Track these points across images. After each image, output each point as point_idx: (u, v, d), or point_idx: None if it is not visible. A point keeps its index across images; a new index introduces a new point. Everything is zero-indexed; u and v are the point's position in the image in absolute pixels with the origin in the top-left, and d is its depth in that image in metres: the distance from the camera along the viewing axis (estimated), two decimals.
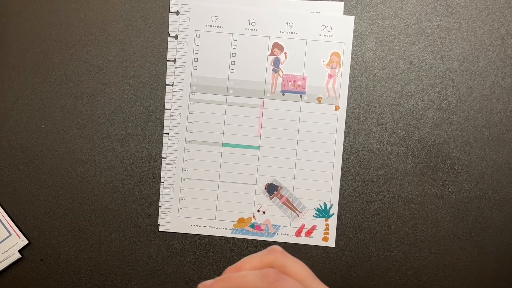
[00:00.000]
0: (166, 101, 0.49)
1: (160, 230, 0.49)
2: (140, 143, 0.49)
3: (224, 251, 0.49)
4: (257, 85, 0.49)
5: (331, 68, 0.49)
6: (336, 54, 0.49)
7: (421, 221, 0.49)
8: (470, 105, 0.49)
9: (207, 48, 0.49)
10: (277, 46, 0.49)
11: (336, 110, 0.49)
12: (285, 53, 0.49)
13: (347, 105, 0.49)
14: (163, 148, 0.49)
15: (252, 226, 0.49)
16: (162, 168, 0.49)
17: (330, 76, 0.49)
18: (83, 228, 0.49)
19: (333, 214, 0.49)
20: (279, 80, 0.49)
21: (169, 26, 0.50)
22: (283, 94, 0.49)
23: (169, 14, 0.50)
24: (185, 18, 0.49)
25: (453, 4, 0.49)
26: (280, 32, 0.49)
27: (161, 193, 0.49)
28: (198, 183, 0.49)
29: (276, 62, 0.49)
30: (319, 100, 0.49)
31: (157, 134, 0.49)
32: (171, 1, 0.50)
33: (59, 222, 0.50)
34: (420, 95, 0.49)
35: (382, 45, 0.49)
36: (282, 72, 0.49)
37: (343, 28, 0.49)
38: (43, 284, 0.49)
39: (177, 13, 0.50)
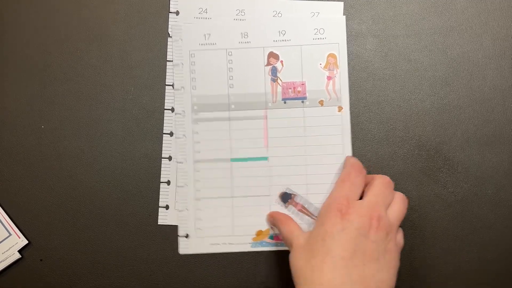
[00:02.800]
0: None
1: (180, 253, 0.49)
2: (140, 143, 0.49)
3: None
4: (258, 97, 0.49)
5: (329, 70, 0.49)
6: (332, 55, 0.49)
7: (421, 221, 0.49)
8: (470, 105, 0.49)
9: (203, 67, 0.49)
10: (272, 55, 0.49)
11: (339, 111, 0.49)
12: (281, 61, 0.49)
13: (350, 105, 0.49)
14: (176, 175, 0.49)
15: (271, 237, 0.49)
16: (176, 191, 0.49)
17: (329, 78, 0.49)
18: (83, 228, 0.50)
19: None
20: (279, 89, 0.49)
21: (169, 26, 0.50)
22: (285, 102, 0.49)
23: (169, 14, 0.50)
24: (178, 40, 0.49)
25: (453, 4, 0.49)
26: (274, 41, 0.49)
27: (177, 216, 0.49)
28: (212, 202, 0.49)
29: (274, 71, 0.49)
30: (321, 103, 0.49)
31: (157, 134, 0.50)
32: (171, 1, 0.50)
33: (59, 222, 0.50)
34: (420, 95, 0.49)
35: (382, 45, 0.49)
36: (281, 80, 0.49)
37: (336, 28, 0.49)
38: (43, 284, 0.49)
39: (177, 13, 0.50)
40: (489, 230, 0.48)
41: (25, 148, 0.50)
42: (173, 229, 0.49)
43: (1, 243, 0.49)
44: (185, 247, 0.49)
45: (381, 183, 0.43)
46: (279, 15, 0.49)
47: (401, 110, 0.49)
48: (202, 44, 0.49)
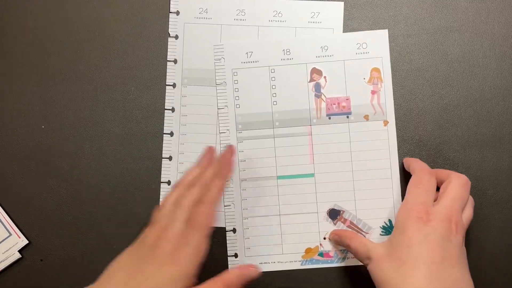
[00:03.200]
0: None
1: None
2: (140, 143, 0.49)
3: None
4: (302, 113, 0.48)
5: (373, 84, 0.48)
6: (376, 69, 0.48)
7: None
8: (470, 105, 0.49)
9: (246, 85, 0.49)
10: (315, 72, 0.48)
11: (385, 125, 0.48)
12: (325, 77, 0.48)
13: (396, 118, 0.48)
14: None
15: (321, 254, 0.49)
16: (225, 213, 0.49)
17: (373, 92, 0.48)
18: (83, 228, 0.49)
19: None
20: (323, 105, 0.48)
21: (169, 26, 0.50)
22: (329, 118, 0.48)
23: (169, 14, 0.50)
24: (220, 59, 0.49)
25: (453, 4, 0.49)
26: (316, 57, 0.48)
27: (227, 238, 0.49)
28: (260, 220, 0.49)
29: (317, 87, 0.48)
30: (366, 118, 0.48)
31: (157, 134, 0.49)
32: (171, 1, 0.50)
33: (59, 222, 0.50)
34: (420, 95, 0.49)
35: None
36: (325, 96, 0.48)
37: (379, 42, 0.48)
38: (43, 284, 0.49)
39: (177, 13, 0.50)
40: (489, 230, 0.48)
41: (25, 148, 0.50)
42: None
43: (1, 243, 0.49)
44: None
45: (460, 185, 0.42)
46: (280, 15, 0.49)
47: (401, 110, 0.49)
48: (244, 62, 0.49)
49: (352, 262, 0.48)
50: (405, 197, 0.43)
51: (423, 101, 0.49)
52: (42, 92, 0.50)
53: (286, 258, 0.49)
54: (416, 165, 0.45)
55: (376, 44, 0.48)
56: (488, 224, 0.48)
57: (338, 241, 0.47)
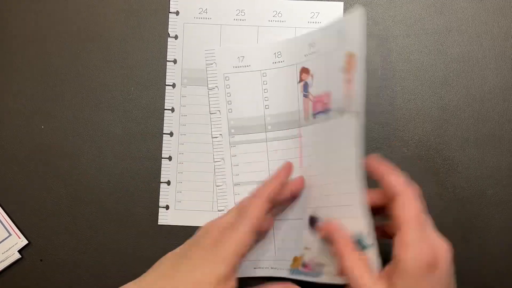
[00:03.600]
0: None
1: None
2: (140, 143, 0.49)
3: None
4: (292, 115, 0.47)
5: (349, 72, 0.39)
6: (351, 55, 0.39)
7: None
8: (470, 105, 0.49)
9: (238, 89, 0.48)
10: (304, 71, 0.47)
11: (352, 118, 0.38)
12: (312, 75, 0.45)
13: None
14: (217, 198, 0.49)
15: (304, 265, 0.43)
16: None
17: (348, 81, 0.39)
18: (83, 228, 0.50)
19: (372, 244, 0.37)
20: (311, 104, 0.45)
21: (169, 26, 0.50)
22: (315, 117, 0.44)
23: (169, 14, 0.50)
24: (212, 64, 0.48)
25: (453, 4, 0.49)
26: (305, 55, 0.46)
27: None
28: None
29: (305, 87, 0.46)
30: (342, 113, 0.40)
31: (157, 134, 0.50)
32: (171, 1, 0.50)
33: (59, 222, 0.50)
34: (420, 95, 0.49)
35: (382, 45, 0.49)
36: (312, 95, 0.45)
37: (353, 26, 0.39)
38: (43, 284, 0.49)
39: (177, 13, 0.50)
40: (489, 230, 0.48)
41: (25, 148, 0.50)
42: (173, 229, 0.49)
43: (1, 243, 0.49)
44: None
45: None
46: (279, 15, 0.49)
47: (401, 110, 0.49)
48: (236, 67, 0.48)
49: (327, 279, 0.40)
50: (406, 233, 0.35)
51: (422, 101, 0.49)
52: (42, 92, 0.50)
53: (278, 265, 0.46)
54: (398, 185, 0.37)
55: (352, 29, 0.39)
56: (488, 224, 0.48)
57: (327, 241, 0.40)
